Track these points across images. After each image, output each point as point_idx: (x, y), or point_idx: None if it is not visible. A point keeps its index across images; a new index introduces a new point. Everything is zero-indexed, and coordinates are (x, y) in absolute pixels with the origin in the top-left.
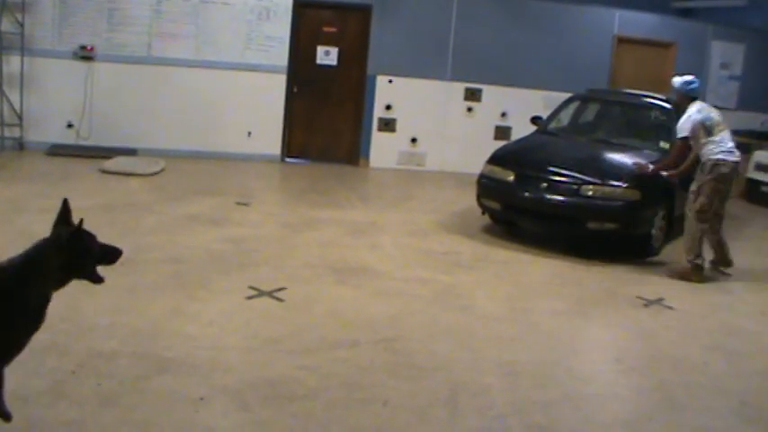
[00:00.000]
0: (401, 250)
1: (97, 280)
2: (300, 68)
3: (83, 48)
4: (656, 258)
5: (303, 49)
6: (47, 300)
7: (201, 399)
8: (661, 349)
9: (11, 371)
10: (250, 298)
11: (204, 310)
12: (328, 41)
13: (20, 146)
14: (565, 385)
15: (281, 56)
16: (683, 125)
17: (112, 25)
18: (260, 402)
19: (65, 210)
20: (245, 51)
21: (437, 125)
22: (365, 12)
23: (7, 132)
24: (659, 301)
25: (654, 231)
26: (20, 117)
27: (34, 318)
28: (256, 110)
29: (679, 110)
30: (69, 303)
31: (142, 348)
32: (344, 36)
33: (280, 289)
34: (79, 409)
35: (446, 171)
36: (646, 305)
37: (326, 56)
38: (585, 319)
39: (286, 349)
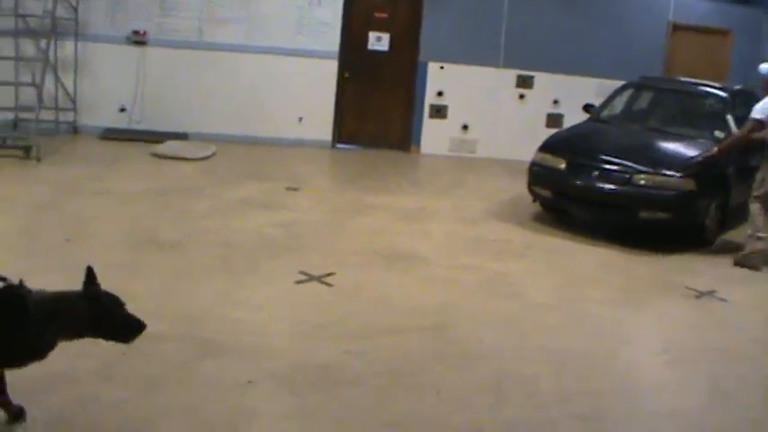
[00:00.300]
0: (450, 237)
1: (127, 338)
2: (352, 54)
3: (135, 33)
4: (709, 249)
5: (354, 34)
6: (54, 344)
7: (249, 382)
8: (710, 341)
9: (60, 353)
10: (299, 283)
11: (253, 295)
12: (380, 27)
13: (74, 129)
14: (611, 375)
15: (333, 41)
16: (762, 107)
17: (164, 10)
18: (307, 387)
19: (90, 275)
20: (296, 36)
21: (488, 112)
22: None
23: (62, 116)
24: (711, 293)
25: (707, 222)
26: (73, 101)
27: (36, 352)
28: (307, 95)
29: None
30: (118, 285)
31: (190, 332)
32: (396, 22)
33: (329, 274)
34: (127, 391)
35: (497, 158)
36: (697, 297)
37: (378, 42)
38: (634, 309)
39: (334, 335)
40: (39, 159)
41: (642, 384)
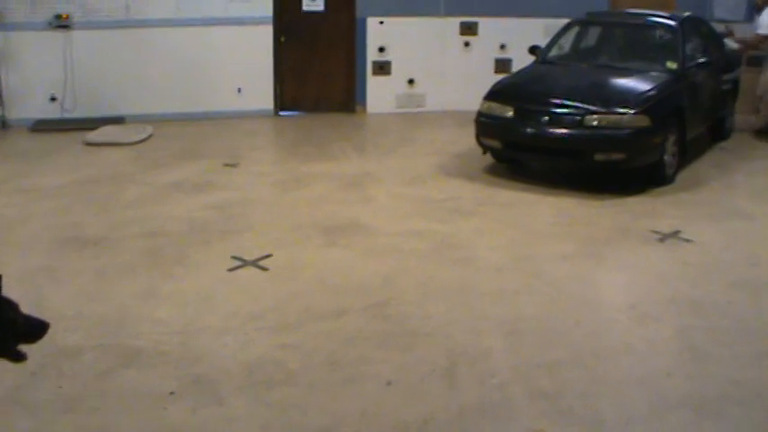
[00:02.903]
0: (396, 201)
1: (20, 358)
2: (286, 17)
3: (58, 17)
4: (670, 187)
5: None
6: None
7: (171, 393)
8: (678, 290)
9: None
10: (232, 270)
11: (180, 289)
12: None
13: (2, 124)
14: (573, 342)
15: (266, 6)
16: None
17: None
18: (234, 392)
19: None
20: (227, 5)
21: (434, 64)
22: None
23: None
24: (675, 233)
25: (666, 158)
26: (0, 95)
27: None
28: (244, 65)
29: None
30: (33, 293)
31: (108, 339)
32: None
33: (265, 257)
34: (35, 418)
35: (448, 110)
36: (661, 240)
37: (312, 2)
38: (595, 262)
39: (267, 326)
40: None
41: (607, 350)
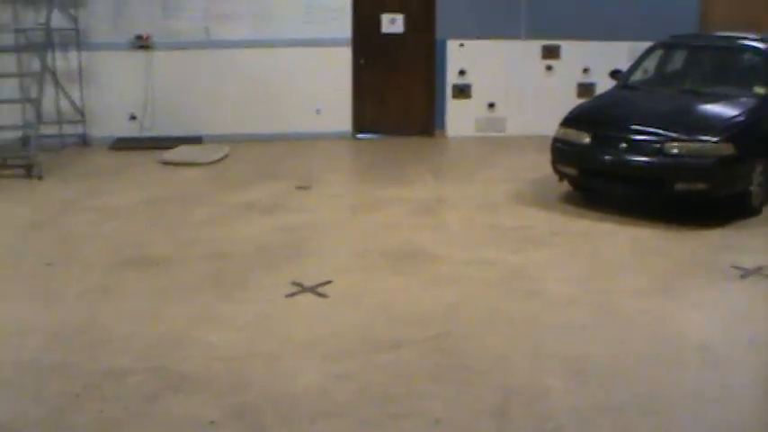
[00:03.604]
0: (468, 228)
1: None
2: (365, 39)
3: (139, 37)
4: (755, 219)
5: (366, 18)
6: None
7: (212, 423)
8: (760, 332)
9: (10, 396)
10: (291, 295)
11: (236, 313)
12: (393, 8)
13: (83, 142)
14: (640, 385)
15: (344, 27)
16: None
17: (167, 12)
18: (277, 424)
19: None
20: (305, 26)
21: (515, 87)
22: None
23: (71, 129)
24: (759, 270)
25: (753, 188)
26: (81, 113)
27: None
28: (323, 86)
29: None
30: (91, 314)
31: (157, 363)
32: (409, 1)
33: (325, 283)
34: None
35: (528, 135)
36: (743, 276)
37: (392, 24)
38: (670, 298)
39: (321, 354)
40: (40, 177)
41: (677, 395)
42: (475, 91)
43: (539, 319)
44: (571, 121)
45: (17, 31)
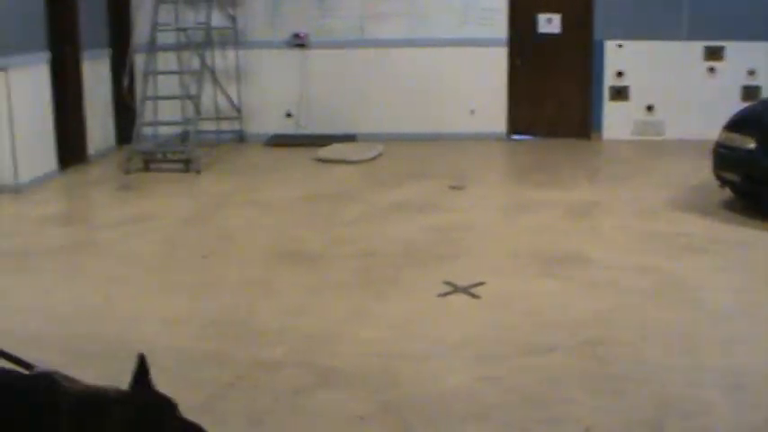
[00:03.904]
0: (623, 233)
1: None
2: (521, 39)
3: (296, 36)
4: None
5: (522, 18)
6: None
7: (360, 418)
8: None
9: (167, 381)
10: (443, 295)
11: (388, 311)
12: (549, 8)
13: (240, 138)
14: None
15: (500, 27)
16: None
17: (323, 11)
18: (424, 424)
19: (141, 368)
20: (461, 26)
21: (675, 90)
22: None
23: (228, 126)
24: None
25: None
26: (238, 110)
27: None
28: (478, 86)
29: None
30: (245, 306)
31: (310, 357)
32: (566, 1)
33: (478, 284)
34: (225, 428)
35: (687, 140)
36: None
37: (548, 24)
38: None
39: (471, 355)
40: (198, 172)
41: None
42: (633, 93)
43: (696, 330)
44: (735, 124)
45: (178, 29)
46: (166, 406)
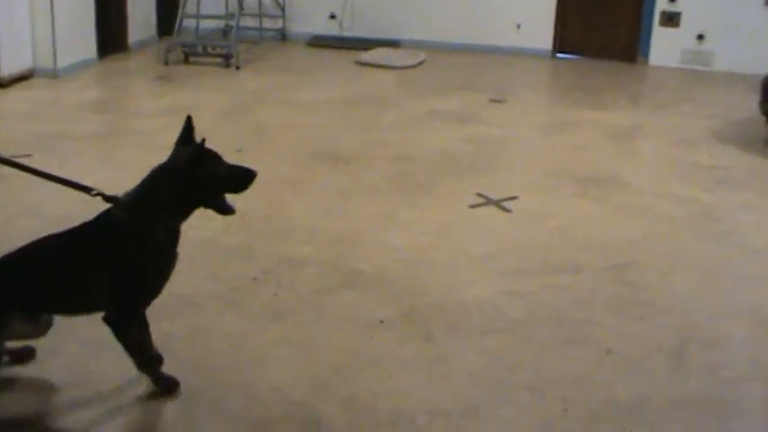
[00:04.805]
0: (661, 160)
1: (227, 211)
2: None
3: None
4: None
5: None
6: (175, 236)
7: (381, 321)
8: None
9: (193, 271)
10: (474, 206)
11: (418, 218)
12: None
13: (282, 36)
14: None
15: None
16: None
17: None
18: (446, 332)
19: (187, 127)
20: None
21: (728, 20)
22: None
23: (270, 23)
24: None
25: None
26: (282, 7)
27: (162, 258)
28: (526, 1)
29: None
30: (276, 202)
31: (336, 257)
32: None
33: (510, 198)
34: (245, 322)
35: (737, 72)
36: None
37: None
38: None
39: (498, 270)
40: (238, 67)
41: None
42: (684, 20)
43: (727, 264)
44: None
45: None
46: (214, 153)
